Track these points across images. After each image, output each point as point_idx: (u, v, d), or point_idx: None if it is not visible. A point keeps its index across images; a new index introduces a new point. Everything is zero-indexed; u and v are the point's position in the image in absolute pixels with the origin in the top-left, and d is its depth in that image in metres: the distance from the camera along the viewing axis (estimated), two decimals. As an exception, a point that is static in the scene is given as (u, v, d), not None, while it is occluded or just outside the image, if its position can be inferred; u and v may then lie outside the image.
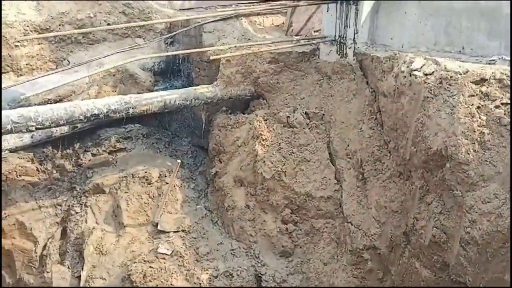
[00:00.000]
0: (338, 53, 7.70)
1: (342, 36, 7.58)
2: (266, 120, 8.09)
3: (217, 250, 7.58)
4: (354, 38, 7.46)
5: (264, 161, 7.65)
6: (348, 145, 7.41)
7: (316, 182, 7.42)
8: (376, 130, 6.98)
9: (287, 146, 7.71)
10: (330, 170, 7.48)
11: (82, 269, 7.39)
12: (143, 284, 6.76)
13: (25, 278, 7.89)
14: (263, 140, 7.83)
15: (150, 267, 7.01)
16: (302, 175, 7.50)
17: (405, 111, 6.14)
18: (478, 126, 5.27)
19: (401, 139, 6.27)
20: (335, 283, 6.88)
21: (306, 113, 7.92)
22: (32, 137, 8.02)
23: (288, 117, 7.86)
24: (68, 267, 7.62)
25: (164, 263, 7.14)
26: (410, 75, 6.05)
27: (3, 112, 6.61)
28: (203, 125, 9.07)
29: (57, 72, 7.69)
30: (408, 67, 6.17)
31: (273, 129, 7.91)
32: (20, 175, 7.89)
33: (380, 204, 6.64)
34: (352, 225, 6.94)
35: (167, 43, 9.54)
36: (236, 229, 7.83)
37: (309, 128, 7.82)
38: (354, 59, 7.51)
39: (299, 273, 7.30)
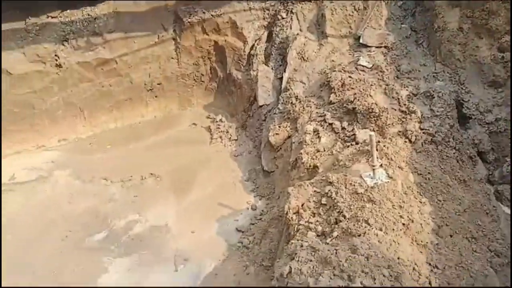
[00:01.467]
0: None
1: None
2: None
3: (419, 71, 7.29)
4: None
5: (492, -22, 6.69)
6: None
7: (555, 6, 6.33)
8: None
9: (526, -39, 6.53)
10: None
11: (285, 71, 7.83)
12: (341, 91, 6.93)
13: (234, 74, 8.73)
14: (496, -46, 6.74)
15: (350, 76, 7.06)
16: (539, -4, 6.43)
17: None
18: None
19: None
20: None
21: None
22: None
23: None
24: (272, 68, 8.15)
25: (363, 75, 7.15)
26: None
27: None
28: None
29: None
30: None
31: None
32: (235, -25, 8.23)
33: None
34: None
35: None
36: (443, 52, 7.32)
37: None
38: None
39: (507, 106, 6.72)
